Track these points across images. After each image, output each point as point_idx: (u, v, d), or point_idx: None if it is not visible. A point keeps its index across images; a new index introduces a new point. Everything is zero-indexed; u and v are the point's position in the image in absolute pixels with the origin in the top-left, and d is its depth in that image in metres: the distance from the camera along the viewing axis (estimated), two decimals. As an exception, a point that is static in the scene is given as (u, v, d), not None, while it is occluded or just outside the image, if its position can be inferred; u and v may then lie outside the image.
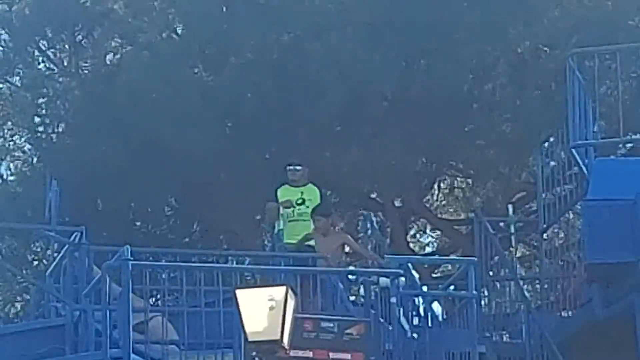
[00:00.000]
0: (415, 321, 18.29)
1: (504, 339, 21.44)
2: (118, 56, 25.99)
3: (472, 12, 23.50)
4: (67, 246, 19.37)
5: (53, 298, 19.55)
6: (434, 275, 26.05)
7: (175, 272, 18.59)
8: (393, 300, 17.86)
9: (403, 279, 17.94)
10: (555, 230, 23.34)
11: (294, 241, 20.48)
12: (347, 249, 21.71)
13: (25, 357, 17.42)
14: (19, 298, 28.16)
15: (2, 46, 26.99)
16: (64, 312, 18.43)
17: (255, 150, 23.69)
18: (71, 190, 22.22)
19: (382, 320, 18.10)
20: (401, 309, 18.24)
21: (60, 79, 26.08)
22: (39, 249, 26.60)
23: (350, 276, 20.47)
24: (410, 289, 18.36)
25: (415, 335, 18.56)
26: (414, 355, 17.55)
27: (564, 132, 19.38)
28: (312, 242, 20.60)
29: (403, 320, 18.47)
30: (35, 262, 26.78)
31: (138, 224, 25.96)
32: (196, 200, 25.23)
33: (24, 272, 26.07)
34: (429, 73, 23.32)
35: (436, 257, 28.24)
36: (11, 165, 27.34)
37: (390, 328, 17.80)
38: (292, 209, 20.69)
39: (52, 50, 26.78)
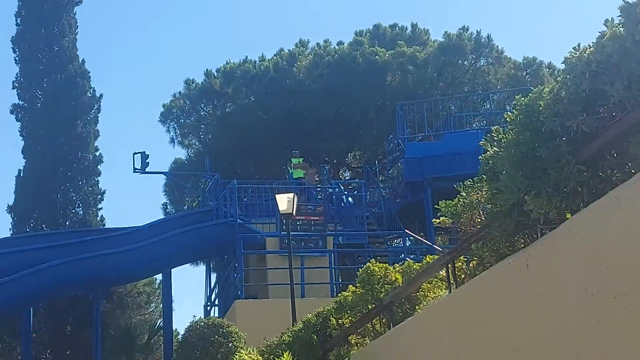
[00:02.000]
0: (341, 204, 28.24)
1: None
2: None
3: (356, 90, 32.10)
4: (213, 180, 28.51)
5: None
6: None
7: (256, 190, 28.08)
8: (333, 196, 28.45)
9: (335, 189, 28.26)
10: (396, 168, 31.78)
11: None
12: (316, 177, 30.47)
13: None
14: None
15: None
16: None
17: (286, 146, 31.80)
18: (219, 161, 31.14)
19: (329, 204, 27.94)
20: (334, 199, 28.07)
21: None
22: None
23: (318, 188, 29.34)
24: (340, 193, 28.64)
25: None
26: (341, 217, 27.61)
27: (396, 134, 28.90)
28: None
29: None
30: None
31: (238, 171, 33.08)
32: (263, 165, 34.53)
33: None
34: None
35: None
36: (189, 151, 35.78)
37: (332, 206, 27.86)
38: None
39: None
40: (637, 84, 5.47)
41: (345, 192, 30.15)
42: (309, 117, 31.88)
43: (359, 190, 29.52)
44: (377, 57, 32.46)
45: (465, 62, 33.74)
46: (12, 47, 35.82)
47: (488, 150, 7.27)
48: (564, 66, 6.09)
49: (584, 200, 6.02)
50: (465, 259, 8.64)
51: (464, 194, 8.14)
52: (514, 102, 6.71)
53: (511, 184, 6.35)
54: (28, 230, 33.53)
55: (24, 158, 34.81)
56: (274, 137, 32.65)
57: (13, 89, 35.46)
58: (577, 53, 5.91)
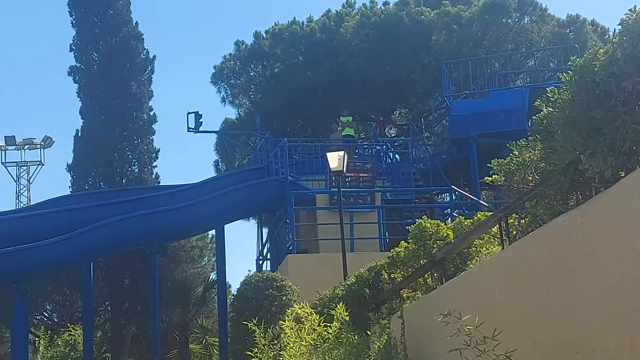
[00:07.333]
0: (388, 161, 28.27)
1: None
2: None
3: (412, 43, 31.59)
4: (263, 138, 28.70)
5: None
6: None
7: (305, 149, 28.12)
8: (380, 153, 28.53)
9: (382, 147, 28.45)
10: (441, 125, 31.05)
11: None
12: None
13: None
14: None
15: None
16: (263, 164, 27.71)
17: (334, 105, 31.70)
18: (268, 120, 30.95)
19: (377, 162, 27.85)
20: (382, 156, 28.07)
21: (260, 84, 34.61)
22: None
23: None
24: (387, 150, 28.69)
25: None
26: (388, 174, 27.73)
27: (441, 93, 28.47)
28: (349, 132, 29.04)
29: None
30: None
31: (287, 129, 33.23)
32: (312, 123, 34.07)
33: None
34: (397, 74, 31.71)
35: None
36: (240, 111, 35.68)
37: (380, 163, 27.84)
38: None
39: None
40: (694, 44, 5.36)
41: (392, 149, 29.88)
42: (355, 76, 31.63)
43: (405, 147, 29.38)
44: (422, 16, 32.09)
45: (509, 21, 33.18)
46: (68, 11, 36.00)
47: (541, 110, 7.22)
48: (620, 27, 6.00)
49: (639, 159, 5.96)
50: (517, 216, 8.59)
51: (516, 153, 8.06)
52: (569, 63, 6.62)
53: (566, 143, 6.32)
54: (86, 187, 33.97)
55: (81, 118, 35.18)
56: (322, 96, 32.56)
57: (70, 51, 35.72)
58: (634, 15, 5.82)
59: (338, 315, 10.96)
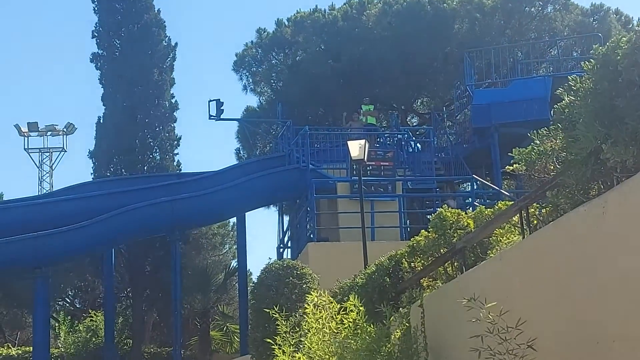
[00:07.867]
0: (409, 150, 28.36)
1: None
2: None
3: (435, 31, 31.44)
4: (284, 126, 29.01)
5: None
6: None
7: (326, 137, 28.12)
8: (402, 142, 28.40)
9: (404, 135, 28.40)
10: (463, 114, 31.67)
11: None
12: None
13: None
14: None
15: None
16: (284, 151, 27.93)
17: (355, 93, 31.43)
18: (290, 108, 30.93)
19: (398, 150, 27.88)
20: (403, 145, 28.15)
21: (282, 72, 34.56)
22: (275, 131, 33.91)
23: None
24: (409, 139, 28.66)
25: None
26: (409, 163, 27.82)
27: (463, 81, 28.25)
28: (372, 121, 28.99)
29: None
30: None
31: (309, 117, 33.51)
32: (333, 111, 33.52)
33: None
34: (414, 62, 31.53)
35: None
36: (261, 98, 35.82)
37: (401, 152, 27.89)
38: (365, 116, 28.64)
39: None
40: None
41: (414, 138, 29.88)
42: (377, 65, 31.49)
43: (426, 136, 29.33)
44: (444, 5, 31.97)
45: (532, 9, 33.06)
46: (91, -2, 35.94)
47: (563, 99, 7.18)
48: (643, 16, 5.94)
49: (662, 149, 5.91)
50: (538, 205, 8.56)
51: (538, 142, 8.02)
52: (591, 51, 6.58)
53: (588, 132, 6.29)
54: (108, 174, 34.00)
55: (103, 105, 35.19)
56: (344, 84, 32.43)
57: (92, 38, 35.74)
58: (657, 3, 5.76)
59: (351, 306, 10.83)
